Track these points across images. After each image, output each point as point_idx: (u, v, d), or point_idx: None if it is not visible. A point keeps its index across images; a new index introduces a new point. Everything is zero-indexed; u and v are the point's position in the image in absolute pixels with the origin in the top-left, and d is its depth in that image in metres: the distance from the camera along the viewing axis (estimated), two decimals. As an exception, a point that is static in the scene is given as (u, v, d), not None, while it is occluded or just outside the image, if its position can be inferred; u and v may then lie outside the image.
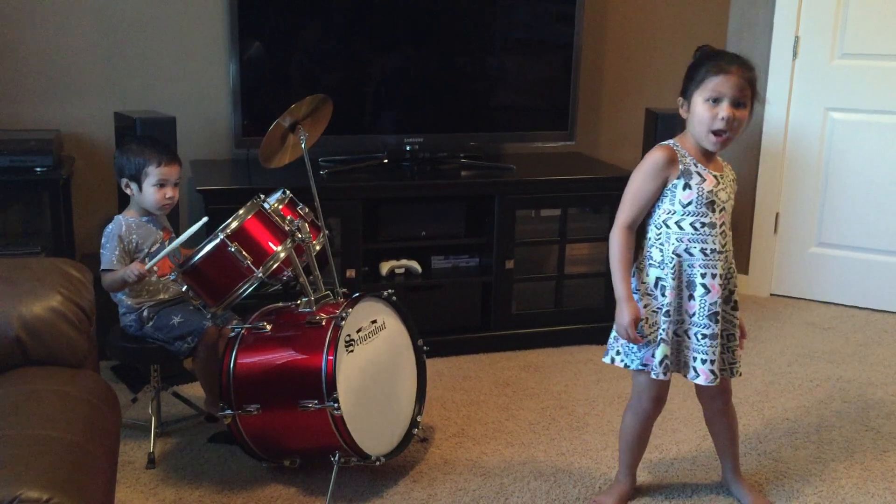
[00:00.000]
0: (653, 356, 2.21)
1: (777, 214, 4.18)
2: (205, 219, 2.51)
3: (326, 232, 2.68)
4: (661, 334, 2.19)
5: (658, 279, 2.21)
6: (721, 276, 2.20)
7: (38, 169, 3.01)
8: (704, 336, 2.20)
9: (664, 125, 3.44)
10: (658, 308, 2.21)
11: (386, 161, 3.49)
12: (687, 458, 2.71)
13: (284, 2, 3.33)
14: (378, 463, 2.42)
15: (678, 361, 2.25)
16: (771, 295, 4.25)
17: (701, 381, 2.22)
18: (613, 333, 2.28)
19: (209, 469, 2.57)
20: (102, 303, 2.35)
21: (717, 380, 2.22)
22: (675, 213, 2.18)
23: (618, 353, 2.29)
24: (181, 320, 2.59)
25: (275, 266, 2.45)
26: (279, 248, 2.46)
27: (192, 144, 3.44)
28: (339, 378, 2.30)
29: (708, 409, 2.43)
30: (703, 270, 2.19)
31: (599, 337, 2.39)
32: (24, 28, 3.28)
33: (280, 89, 3.35)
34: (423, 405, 2.68)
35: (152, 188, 2.59)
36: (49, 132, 3.17)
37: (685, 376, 2.26)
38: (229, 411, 2.41)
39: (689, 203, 2.17)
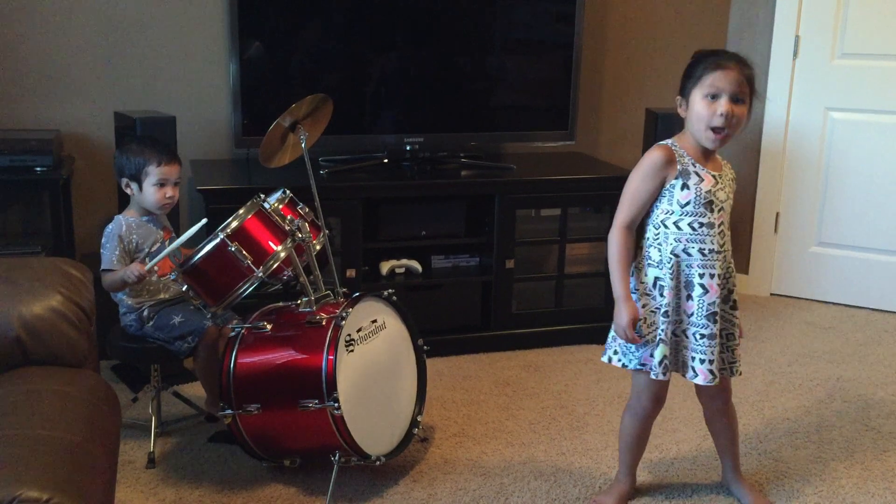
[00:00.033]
0: (651, 356, 2.21)
1: (777, 214, 4.18)
2: (204, 220, 2.51)
3: (326, 231, 2.68)
4: (660, 334, 2.19)
5: (656, 279, 2.21)
6: (719, 275, 2.20)
7: (38, 169, 3.02)
8: (703, 336, 2.20)
9: (664, 125, 3.44)
10: (656, 308, 2.21)
11: (386, 161, 3.49)
12: (687, 457, 2.71)
13: (284, 2, 3.33)
14: (378, 463, 2.42)
15: (677, 361, 2.25)
16: (771, 294, 4.25)
17: (699, 380, 2.22)
18: (612, 333, 2.28)
19: (209, 469, 2.57)
20: (102, 302, 2.35)
21: (716, 379, 2.22)
22: (673, 213, 2.18)
23: (615, 352, 2.29)
24: (181, 320, 2.59)
25: (275, 266, 2.45)
26: (279, 247, 2.46)
27: (192, 144, 3.44)
28: (339, 378, 2.30)
29: (708, 409, 2.43)
30: (701, 270, 2.19)
31: (599, 337, 2.39)
32: (24, 28, 3.28)
33: (280, 89, 3.35)
34: (424, 405, 2.68)
35: (152, 188, 2.60)
36: (49, 132, 3.17)
37: (684, 376, 2.26)
38: (229, 411, 2.41)
39: (688, 203, 2.17)
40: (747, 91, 2.13)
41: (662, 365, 2.20)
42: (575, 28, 3.60)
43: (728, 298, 2.26)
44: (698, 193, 2.17)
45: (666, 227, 2.19)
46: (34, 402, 1.71)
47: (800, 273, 4.19)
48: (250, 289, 2.46)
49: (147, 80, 3.44)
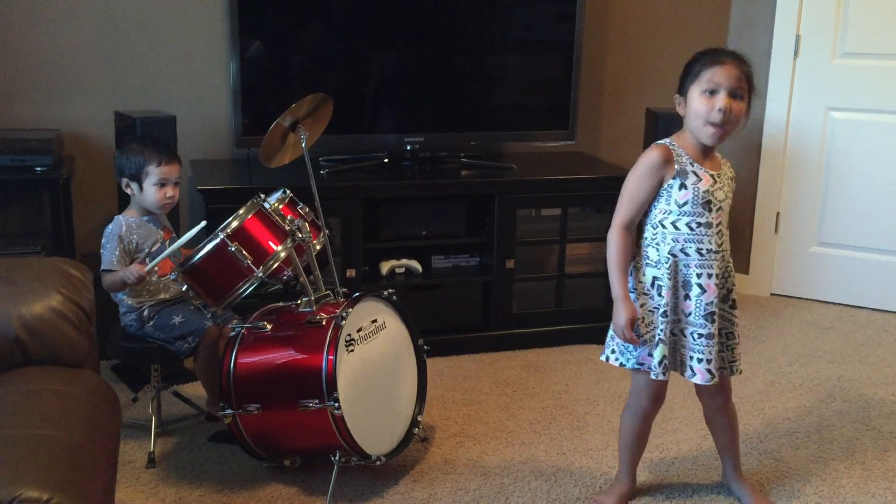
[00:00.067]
0: (650, 356, 2.21)
1: (778, 214, 4.18)
2: (203, 223, 2.51)
3: (327, 231, 2.68)
4: (658, 334, 2.19)
5: (654, 279, 2.20)
6: (717, 275, 2.20)
7: (39, 168, 3.01)
8: (701, 336, 2.20)
9: (664, 125, 3.44)
10: (655, 308, 2.20)
11: (386, 160, 3.49)
12: (687, 457, 2.70)
13: (285, 2, 3.33)
14: (378, 462, 2.42)
15: (675, 360, 2.25)
16: (771, 294, 4.25)
17: (698, 380, 2.22)
18: (610, 332, 2.28)
19: (209, 469, 2.57)
20: (102, 302, 2.35)
21: (714, 379, 2.21)
22: (671, 213, 2.18)
23: (613, 351, 2.29)
24: (182, 320, 2.59)
25: (275, 266, 2.45)
26: (279, 247, 2.46)
27: (192, 144, 3.43)
28: (339, 377, 2.30)
29: (708, 408, 2.43)
30: (699, 270, 2.19)
31: (600, 336, 2.39)
32: (25, 28, 3.28)
33: (280, 89, 3.35)
34: (424, 405, 2.68)
35: (153, 188, 2.59)
36: (49, 131, 3.17)
37: (682, 375, 2.26)
38: (230, 411, 2.41)
39: (685, 203, 2.17)
40: (745, 87, 2.13)
41: (662, 365, 2.20)
42: (575, 28, 3.60)
43: (727, 298, 2.26)
44: (696, 193, 2.16)
45: (664, 226, 2.19)
46: (34, 402, 1.71)
47: (800, 273, 4.19)
48: (250, 289, 2.45)
49: (147, 79, 3.44)
